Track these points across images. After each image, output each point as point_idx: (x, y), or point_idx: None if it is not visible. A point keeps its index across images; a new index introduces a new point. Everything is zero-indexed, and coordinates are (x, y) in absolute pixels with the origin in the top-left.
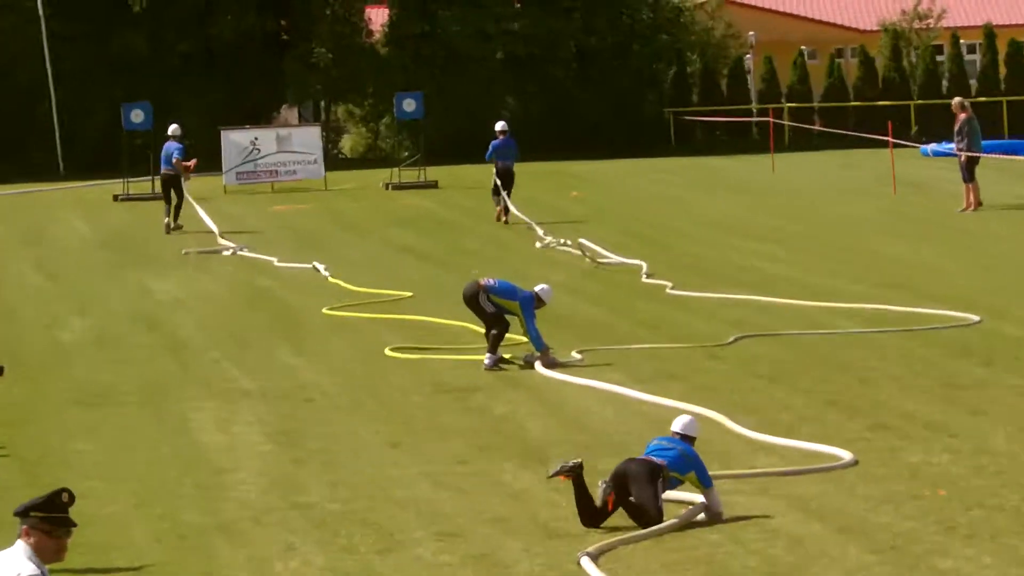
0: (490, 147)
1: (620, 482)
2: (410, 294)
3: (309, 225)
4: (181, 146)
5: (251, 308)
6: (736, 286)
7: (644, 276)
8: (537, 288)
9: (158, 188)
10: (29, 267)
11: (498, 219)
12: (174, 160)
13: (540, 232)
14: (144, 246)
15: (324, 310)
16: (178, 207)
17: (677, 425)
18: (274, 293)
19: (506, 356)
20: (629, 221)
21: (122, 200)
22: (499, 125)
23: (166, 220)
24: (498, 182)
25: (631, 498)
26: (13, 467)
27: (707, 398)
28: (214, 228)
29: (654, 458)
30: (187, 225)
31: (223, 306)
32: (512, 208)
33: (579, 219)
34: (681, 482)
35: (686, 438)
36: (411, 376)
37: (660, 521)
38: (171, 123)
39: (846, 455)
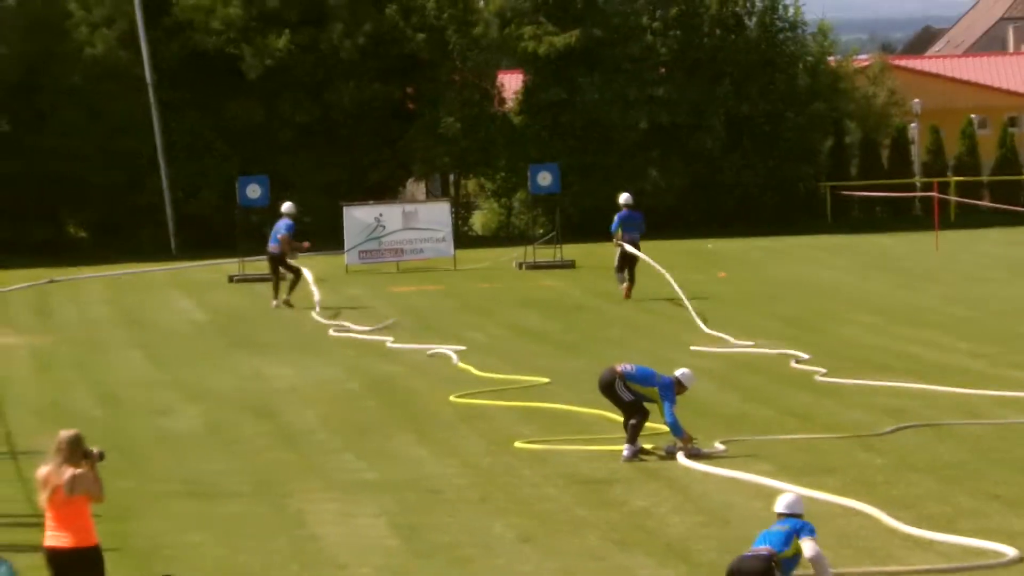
0: (616, 219)
1: None
2: (547, 380)
3: (437, 307)
4: (291, 223)
5: (372, 394)
6: (893, 373)
7: (794, 363)
8: (678, 372)
9: None
10: (137, 352)
11: (626, 296)
12: (280, 236)
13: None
14: (259, 330)
15: (452, 397)
16: (293, 283)
17: (781, 505)
18: (396, 379)
19: (646, 446)
20: (780, 303)
21: (237, 281)
22: (624, 197)
23: (274, 302)
24: (631, 251)
25: None
26: (125, 561)
27: (862, 491)
28: (318, 316)
29: (761, 548)
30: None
31: (342, 392)
32: (645, 258)
33: (727, 300)
34: (796, 559)
35: (793, 516)
36: (543, 467)
37: None
38: (285, 201)
39: (1010, 551)
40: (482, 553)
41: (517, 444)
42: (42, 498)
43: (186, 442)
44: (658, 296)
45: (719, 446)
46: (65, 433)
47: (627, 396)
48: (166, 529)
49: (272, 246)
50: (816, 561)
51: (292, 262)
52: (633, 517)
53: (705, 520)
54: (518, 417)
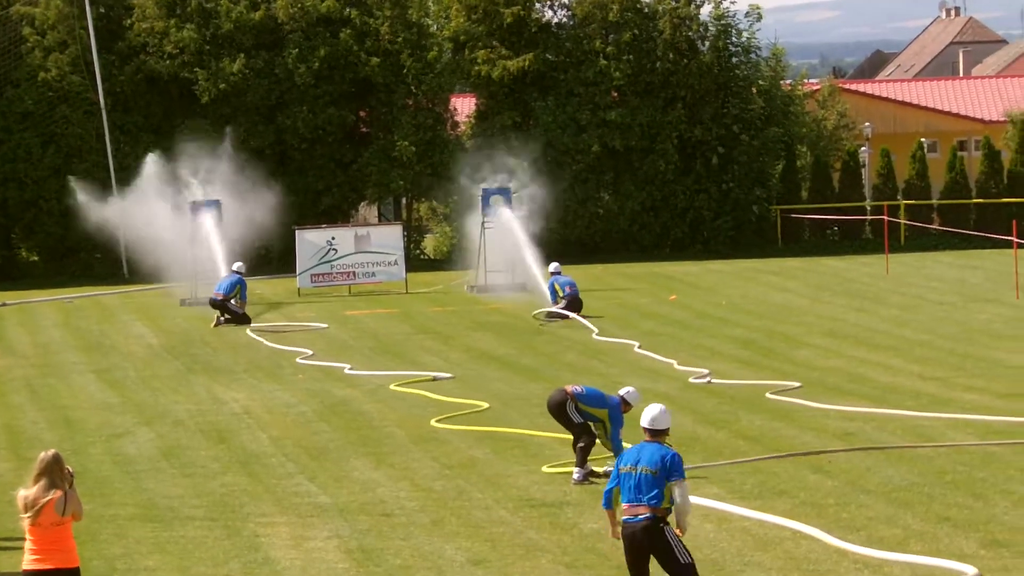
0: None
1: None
2: (486, 405)
3: (392, 330)
4: (244, 282)
5: (325, 418)
6: (846, 396)
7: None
8: (622, 391)
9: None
10: (92, 375)
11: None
12: (237, 301)
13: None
14: (212, 353)
15: (392, 386)
16: (244, 318)
17: (645, 420)
18: (349, 403)
19: (597, 469)
20: (731, 327)
21: (189, 304)
22: (556, 266)
23: (221, 318)
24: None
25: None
26: None
27: (813, 514)
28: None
29: (645, 507)
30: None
31: (296, 416)
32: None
33: (680, 323)
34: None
35: (657, 433)
36: (495, 491)
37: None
38: (236, 261)
39: (970, 569)
40: None
41: (545, 469)
42: (25, 521)
43: (141, 465)
44: (611, 318)
45: None
46: (47, 454)
47: (577, 418)
48: (122, 553)
49: (224, 295)
50: (683, 506)
51: (238, 311)
52: (584, 540)
53: None
54: (471, 441)
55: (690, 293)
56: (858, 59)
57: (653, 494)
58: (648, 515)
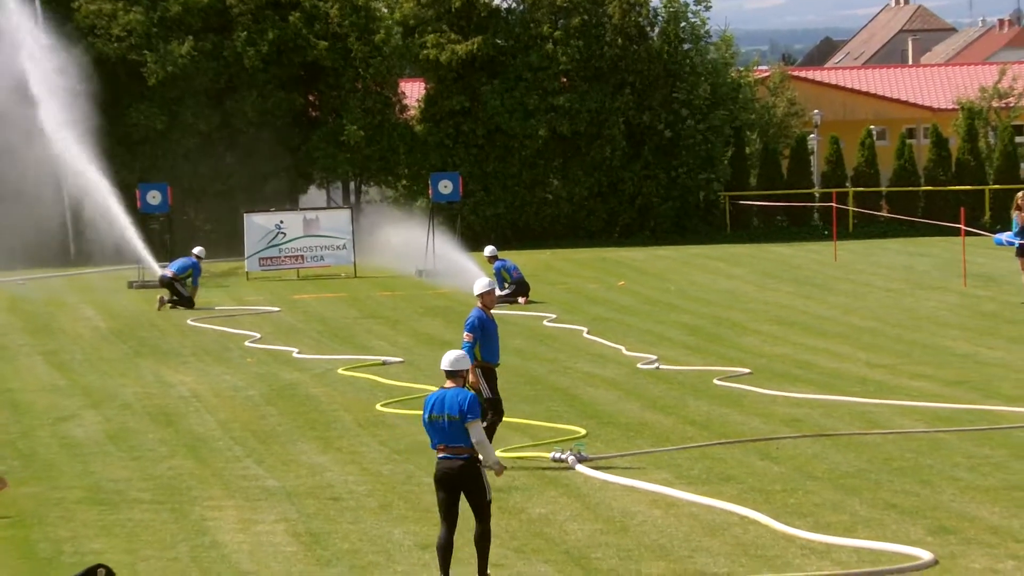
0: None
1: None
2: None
3: (340, 315)
4: (198, 266)
5: (273, 402)
6: (794, 383)
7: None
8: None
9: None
10: (39, 358)
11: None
12: (189, 285)
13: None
14: (160, 336)
15: (340, 370)
16: (188, 301)
17: (446, 363)
18: (297, 386)
19: (544, 455)
20: (679, 313)
21: (137, 287)
22: (492, 249)
23: (165, 301)
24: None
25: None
26: (25, 568)
27: (760, 500)
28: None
29: (463, 447)
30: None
31: (243, 400)
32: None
33: (626, 310)
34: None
35: (454, 375)
36: None
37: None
38: (197, 246)
39: (925, 554)
40: (383, 560)
41: (498, 452)
42: None
43: (88, 449)
44: (559, 303)
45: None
46: None
47: (485, 392)
48: (69, 536)
49: (174, 273)
50: (480, 444)
51: (184, 294)
52: (532, 525)
53: (603, 528)
54: (419, 425)
55: (638, 279)
56: (807, 46)
57: (465, 436)
58: (466, 455)
